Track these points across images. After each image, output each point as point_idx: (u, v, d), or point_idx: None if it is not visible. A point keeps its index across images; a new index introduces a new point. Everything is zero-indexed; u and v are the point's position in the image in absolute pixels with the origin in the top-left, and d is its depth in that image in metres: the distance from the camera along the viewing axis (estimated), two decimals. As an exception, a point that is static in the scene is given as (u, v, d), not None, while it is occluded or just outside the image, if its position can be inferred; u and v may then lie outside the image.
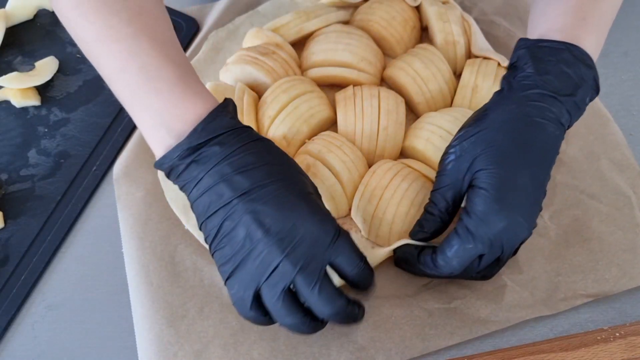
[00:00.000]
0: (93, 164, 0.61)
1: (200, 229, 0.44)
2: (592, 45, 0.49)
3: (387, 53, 0.65)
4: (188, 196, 0.44)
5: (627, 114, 0.62)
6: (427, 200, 0.53)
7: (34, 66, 0.68)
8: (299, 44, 0.66)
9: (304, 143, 0.58)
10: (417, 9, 0.66)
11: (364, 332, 0.50)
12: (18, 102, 0.65)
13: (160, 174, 0.57)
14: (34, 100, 0.66)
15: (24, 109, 0.66)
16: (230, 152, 0.43)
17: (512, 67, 0.50)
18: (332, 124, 0.61)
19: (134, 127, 0.63)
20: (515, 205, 0.45)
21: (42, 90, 0.67)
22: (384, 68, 0.64)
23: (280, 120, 0.58)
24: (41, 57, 0.69)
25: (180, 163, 0.43)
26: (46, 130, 0.64)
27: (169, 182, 0.55)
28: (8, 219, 0.58)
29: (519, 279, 0.51)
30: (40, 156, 0.62)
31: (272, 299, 0.42)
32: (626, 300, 0.51)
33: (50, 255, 0.56)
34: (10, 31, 0.71)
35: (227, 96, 0.58)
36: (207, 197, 0.42)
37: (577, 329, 0.50)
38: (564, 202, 0.55)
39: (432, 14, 0.64)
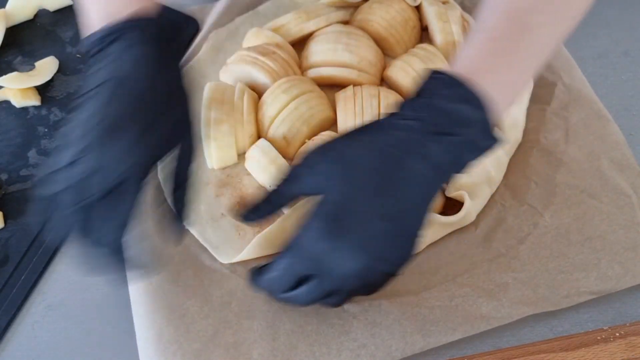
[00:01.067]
0: (93, 164, 0.61)
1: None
2: (490, 84, 0.44)
3: (387, 53, 0.65)
4: None
5: (627, 114, 0.62)
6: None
7: (34, 66, 0.68)
8: (299, 44, 0.66)
9: (304, 143, 0.58)
10: (417, 9, 0.66)
11: (364, 330, 0.50)
12: (18, 102, 0.66)
13: (161, 175, 0.57)
14: (34, 100, 0.66)
15: (24, 109, 0.66)
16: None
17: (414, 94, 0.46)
18: (332, 124, 0.61)
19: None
20: (345, 232, 0.42)
21: (42, 90, 0.67)
22: (384, 68, 0.64)
23: (280, 120, 0.58)
24: (41, 57, 0.69)
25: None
26: (46, 130, 0.64)
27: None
28: (8, 219, 0.58)
29: (521, 277, 0.51)
30: (40, 156, 0.62)
31: None
32: (626, 300, 0.51)
33: (50, 255, 0.56)
34: (10, 31, 0.72)
35: (227, 96, 0.59)
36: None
37: (577, 329, 0.50)
38: (564, 201, 0.55)
39: (432, 13, 0.64)
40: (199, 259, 0.54)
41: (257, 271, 0.47)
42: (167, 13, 0.50)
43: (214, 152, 0.58)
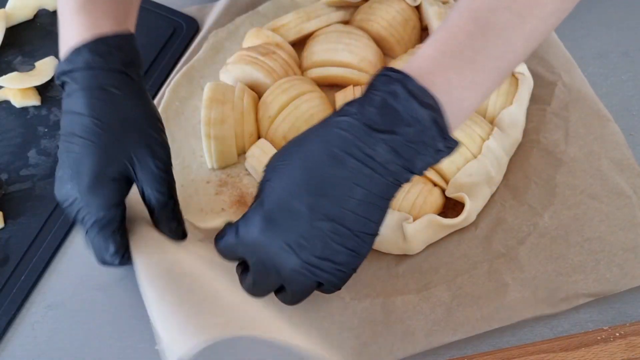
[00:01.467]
0: (93, 164, 0.61)
1: None
2: (446, 83, 0.42)
3: (387, 53, 0.65)
4: None
5: (627, 114, 0.62)
6: (427, 202, 0.53)
7: (34, 66, 0.68)
8: (299, 44, 0.66)
9: (304, 143, 0.58)
10: (417, 9, 0.66)
11: (366, 328, 0.50)
12: (18, 102, 0.66)
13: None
14: (34, 100, 0.66)
15: (24, 109, 0.66)
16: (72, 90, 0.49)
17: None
18: (332, 124, 0.61)
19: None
20: (279, 231, 0.43)
21: (42, 90, 0.67)
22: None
23: (281, 120, 0.58)
24: (41, 57, 0.69)
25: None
26: (46, 130, 0.64)
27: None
28: (8, 219, 0.58)
29: (520, 278, 0.51)
30: (40, 156, 0.62)
31: None
32: (626, 300, 0.51)
33: (50, 255, 0.56)
34: (10, 31, 0.72)
35: (228, 96, 0.59)
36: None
37: (577, 329, 0.50)
38: (564, 202, 0.55)
39: (432, 14, 0.64)
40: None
41: (218, 234, 0.48)
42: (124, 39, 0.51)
43: (214, 151, 0.58)
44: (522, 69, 0.59)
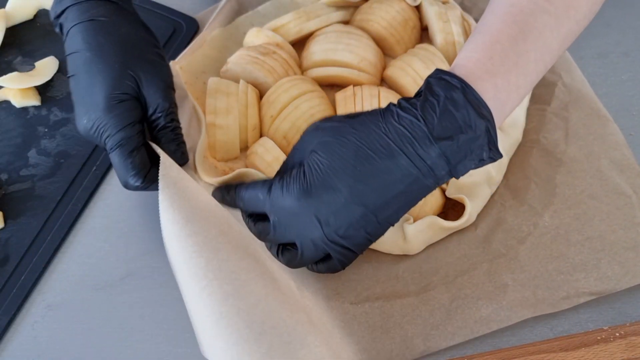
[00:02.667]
0: (93, 164, 0.61)
1: None
2: (490, 90, 0.44)
3: (387, 53, 0.65)
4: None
5: (627, 114, 0.62)
6: (427, 202, 0.53)
7: (34, 66, 0.68)
8: (299, 44, 0.66)
9: (304, 143, 0.58)
10: (417, 8, 0.66)
11: (365, 333, 0.50)
12: (18, 102, 0.65)
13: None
14: (34, 100, 0.66)
15: (24, 109, 0.66)
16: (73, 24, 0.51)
17: (416, 95, 0.46)
18: (332, 124, 0.61)
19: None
20: (312, 201, 0.44)
21: (42, 90, 0.67)
22: (384, 68, 0.64)
23: (281, 119, 0.58)
24: (41, 57, 0.69)
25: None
26: (46, 130, 0.64)
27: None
28: (8, 219, 0.58)
29: (520, 278, 0.51)
30: (40, 156, 0.62)
31: None
32: (626, 300, 0.51)
33: (50, 255, 0.56)
34: (10, 31, 0.71)
35: (232, 89, 0.58)
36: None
37: (577, 329, 0.50)
38: (564, 202, 0.55)
39: (432, 14, 0.64)
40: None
41: (225, 189, 0.51)
42: None
43: (217, 141, 0.58)
44: (522, 69, 0.59)
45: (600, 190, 0.55)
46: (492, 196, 0.56)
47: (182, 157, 0.53)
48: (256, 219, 0.49)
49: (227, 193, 0.51)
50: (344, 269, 0.48)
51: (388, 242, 0.52)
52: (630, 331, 0.49)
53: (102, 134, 0.50)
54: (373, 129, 0.44)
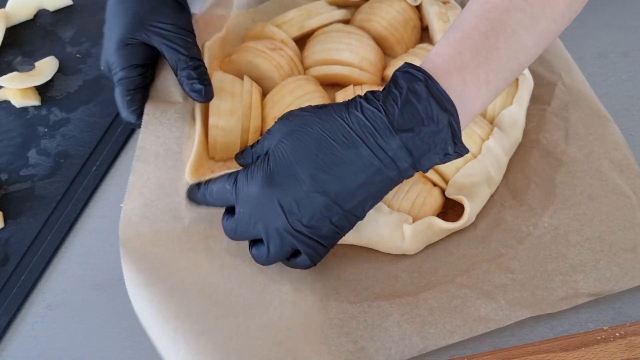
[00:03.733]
0: (93, 164, 0.61)
1: None
2: (458, 84, 0.44)
3: (387, 53, 0.65)
4: None
5: (627, 114, 0.62)
6: (427, 202, 0.53)
7: (34, 66, 0.68)
8: (300, 42, 0.66)
9: (304, 143, 0.58)
10: (418, 8, 0.66)
11: (363, 332, 0.50)
12: (18, 102, 0.66)
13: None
14: (34, 100, 0.66)
15: (24, 109, 0.66)
16: None
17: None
18: (332, 124, 0.61)
19: (134, 128, 0.63)
20: (276, 189, 0.45)
21: (42, 90, 0.67)
22: (384, 67, 0.64)
23: (282, 119, 0.58)
24: (41, 57, 0.69)
25: None
26: (46, 130, 0.64)
27: None
28: (8, 219, 0.58)
29: (520, 278, 0.51)
30: (40, 156, 0.62)
31: None
32: (626, 300, 0.51)
33: (50, 255, 0.56)
34: (10, 31, 0.72)
35: (236, 89, 0.59)
36: None
37: (577, 329, 0.50)
38: (563, 202, 0.55)
39: (432, 13, 0.64)
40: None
41: (197, 185, 0.52)
42: None
43: (219, 143, 0.58)
44: (523, 69, 0.59)
45: (600, 190, 0.55)
46: (492, 196, 0.56)
47: (206, 95, 0.56)
48: (228, 215, 0.50)
49: (198, 188, 0.52)
50: (314, 264, 0.48)
51: (387, 242, 0.52)
52: (630, 331, 0.49)
53: (111, 72, 0.57)
54: (337, 118, 0.45)
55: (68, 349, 0.52)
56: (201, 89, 0.55)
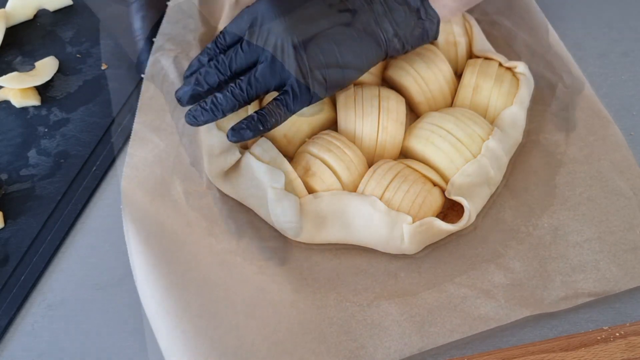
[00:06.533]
0: (93, 164, 0.61)
1: None
2: None
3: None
4: None
5: (627, 114, 0.62)
6: (427, 202, 0.53)
7: (34, 66, 0.68)
8: (299, 44, 0.66)
9: (304, 142, 0.58)
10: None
11: (363, 330, 0.50)
12: (18, 102, 0.65)
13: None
14: (34, 100, 0.66)
15: (24, 109, 0.66)
16: None
17: None
18: (332, 123, 0.61)
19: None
20: (285, 10, 0.51)
21: (42, 90, 0.67)
22: (384, 68, 0.64)
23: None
24: (41, 57, 0.69)
25: None
26: (46, 130, 0.64)
27: None
28: (8, 219, 0.58)
29: (520, 278, 0.51)
30: (40, 156, 0.62)
31: None
32: (626, 300, 0.51)
33: (50, 255, 0.56)
34: (10, 31, 0.71)
35: None
36: None
37: (577, 329, 0.50)
38: (563, 202, 0.55)
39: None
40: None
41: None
42: None
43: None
44: (524, 69, 0.59)
45: (600, 191, 0.55)
46: (492, 196, 0.56)
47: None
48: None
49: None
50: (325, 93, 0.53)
51: (387, 242, 0.52)
52: (630, 331, 0.49)
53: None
54: None
55: (68, 349, 0.52)
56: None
